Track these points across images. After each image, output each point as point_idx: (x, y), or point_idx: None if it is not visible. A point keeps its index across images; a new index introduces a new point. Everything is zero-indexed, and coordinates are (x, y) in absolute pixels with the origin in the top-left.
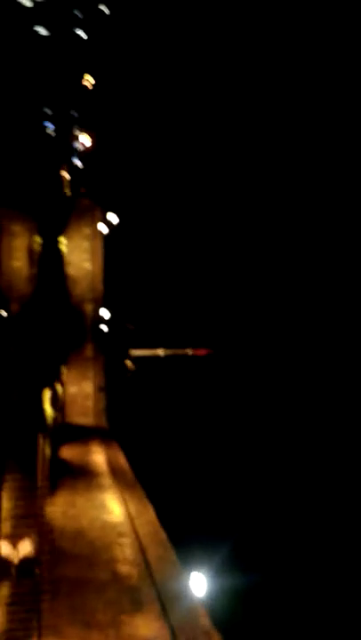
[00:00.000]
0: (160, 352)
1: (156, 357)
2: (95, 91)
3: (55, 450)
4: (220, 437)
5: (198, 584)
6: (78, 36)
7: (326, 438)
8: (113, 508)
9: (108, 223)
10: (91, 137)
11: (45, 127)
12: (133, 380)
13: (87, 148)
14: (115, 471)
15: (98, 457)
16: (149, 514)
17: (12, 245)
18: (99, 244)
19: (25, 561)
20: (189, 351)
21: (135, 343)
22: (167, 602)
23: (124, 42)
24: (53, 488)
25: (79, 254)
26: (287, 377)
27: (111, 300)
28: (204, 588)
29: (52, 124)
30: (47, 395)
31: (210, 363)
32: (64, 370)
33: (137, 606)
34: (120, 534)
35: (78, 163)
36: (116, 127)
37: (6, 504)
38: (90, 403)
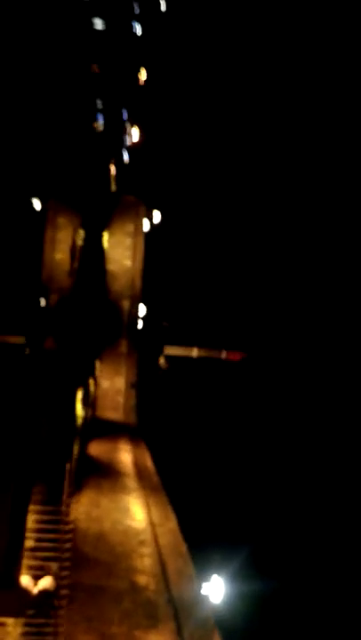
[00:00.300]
0: (194, 352)
1: (189, 358)
2: (147, 86)
3: (83, 446)
4: (243, 443)
5: (216, 588)
6: (134, 30)
7: (356, 450)
8: (136, 512)
9: (151, 220)
10: (140, 132)
11: (97, 121)
12: (165, 379)
13: (136, 143)
14: (141, 472)
15: (125, 455)
16: (172, 522)
17: (55, 237)
18: (140, 242)
19: (44, 594)
20: (223, 353)
21: (170, 341)
22: (183, 621)
23: (179, 38)
24: (79, 487)
25: (121, 251)
26: (319, 390)
27: (149, 296)
28: (222, 592)
29: (104, 117)
30: (80, 394)
31: (243, 367)
32: (98, 365)
33: (152, 621)
34: (141, 543)
35: (126, 157)
36: (166, 124)
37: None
38: (121, 398)
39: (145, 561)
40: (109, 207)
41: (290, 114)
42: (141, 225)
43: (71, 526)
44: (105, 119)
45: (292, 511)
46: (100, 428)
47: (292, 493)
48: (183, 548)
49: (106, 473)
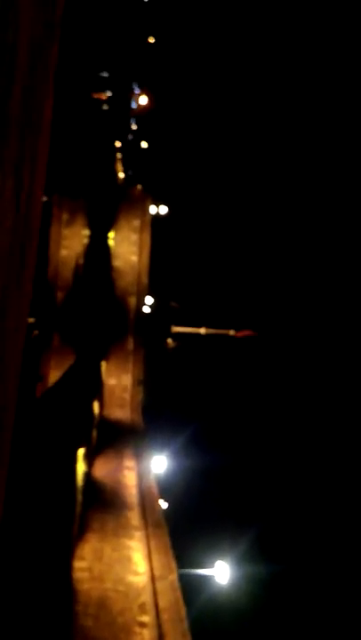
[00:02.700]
0: (202, 330)
1: (198, 335)
2: (155, 54)
3: (90, 466)
4: (251, 425)
5: (222, 572)
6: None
7: None
8: (138, 563)
9: (158, 213)
10: (149, 100)
11: (103, 91)
12: (174, 358)
13: (144, 108)
14: (144, 501)
15: (129, 476)
16: (172, 574)
17: (61, 233)
18: (147, 237)
19: None
20: (232, 332)
21: (178, 321)
22: None
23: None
24: (82, 530)
25: (127, 247)
26: (329, 371)
27: (156, 278)
28: (227, 576)
29: (111, 89)
30: (94, 417)
31: (252, 345)
32: (104, 365)
33: None
34: (142, 608)
35: (132, 135)
36: (174, 99)
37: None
38: (127, 395)
39: (144, 635)
40: (116, 201)
41: (302, 96)
42: (148, 219)
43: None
44: (112, 92)
45: (301, 494)
46: (106, 434)
47: (301, 475)
48: (183, 611)
49: (109, 505)
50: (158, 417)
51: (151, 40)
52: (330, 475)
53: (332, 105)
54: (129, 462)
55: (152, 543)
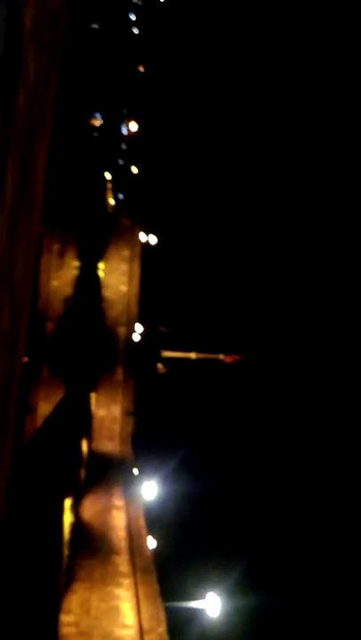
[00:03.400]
0: (192, 355)
1: (188, 360)
2: (146, 81)
3: (77, 507)
4: (241, 450)
5: (213, 605)
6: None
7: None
8: (127, 615)
9: (147, 243)
10: (138, 125)
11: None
12: (164, 382)
13: (134, 134)
14: (133, 545)
15: (118, 517)
16: (161, 627)
17: (51, 264)
18: (136, 266)
19: None
20: (221, 356)
21: (168, 346)
22: None
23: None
24: (69, 579)
25: (116, 276)
26: (317, 395)
27: (145, 305)
28: (218, 609)
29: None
30: (68, 502)
31: (239, 370)
32: (93, 397)
33: None
34: None
35: (122, 161)
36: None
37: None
38: (117, 427)
39: None
40: (105, 231)
41: (292, 117)
42: (137, 249)
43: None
44: (103, 119)
45: (290, 523)
46: (95, 470)
47: (291, 502)
48: None
49: (97, 549)
50: (148, 443)
51: (141, 69)
52: (323, 497)
53: (323, 135)
54: (118, 501)
55: (141, 591)
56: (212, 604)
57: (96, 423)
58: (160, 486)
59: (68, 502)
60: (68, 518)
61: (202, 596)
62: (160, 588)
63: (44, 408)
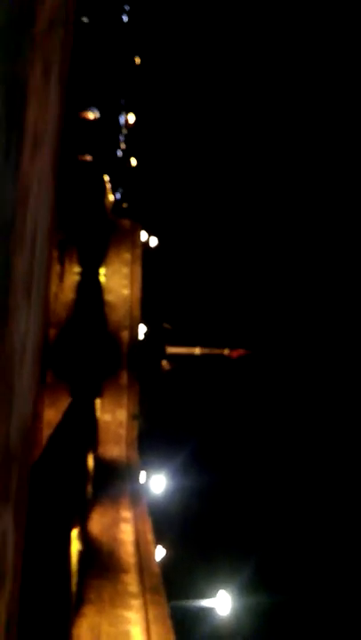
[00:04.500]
0: (196, 350)
1: (192, 356)
2: (142, 76)
3: (84, 528)
4: (250, 448)
5: (224, 603)
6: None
7: None
8: (137, 639)
9: (148, 244)
10: (135, 117)
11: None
12: (169, 380)
13: (131, 125)
14: (142, 561)
15: (126, 531)
16: None
17: (52, 270)
18: (138, 269)
19: None
20: (226, 351)
21: (172, 342)
22: None
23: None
24: (79, 601)
25: (118, 280)
26: (324, 389)
27: (148, 304)
28: (229, 607)
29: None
30: (75, 533)
31: (245, 364)
32: (98, 402)
33: None
34: None
35: (122, 145)
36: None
37: None
38: (123, 431)
39: None
40: (105, 235)
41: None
42: (138, 251)
43: None
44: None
45: (302, 520)
46: (101, 478)
47: (302, 498)
48: None
49: (106, 567)
50: (155, 439)
51: (137, 61)
52: (333, 492)
53: (321, 141)
54: (125, 513)
55: (150, 613)
56: (222, 603)
57: (102, 428)
58: (168, 483)
59: (75, 531)
60: (75, 546)
61: (212, 595)
62: (171, 586)
63: (49, 414)
